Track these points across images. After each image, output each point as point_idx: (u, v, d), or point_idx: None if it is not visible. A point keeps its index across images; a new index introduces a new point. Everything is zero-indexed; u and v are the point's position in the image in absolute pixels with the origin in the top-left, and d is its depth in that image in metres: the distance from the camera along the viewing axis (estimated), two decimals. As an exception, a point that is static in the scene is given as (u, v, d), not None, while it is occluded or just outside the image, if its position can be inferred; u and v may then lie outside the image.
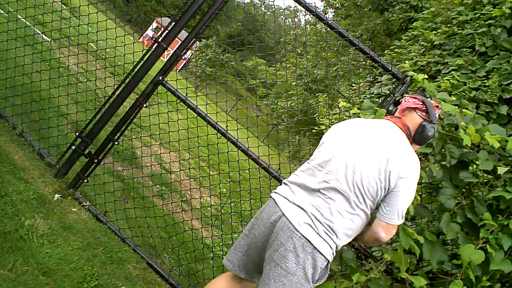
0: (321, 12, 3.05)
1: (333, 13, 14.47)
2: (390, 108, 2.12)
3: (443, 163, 2.18)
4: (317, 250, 1.72)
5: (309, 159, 2.02)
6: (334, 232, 1.75)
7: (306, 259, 1.72)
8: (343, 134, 1.92)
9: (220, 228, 4.63)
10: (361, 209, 1.78)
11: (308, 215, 1.76)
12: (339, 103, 3.02)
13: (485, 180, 2.25)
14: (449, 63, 4.46)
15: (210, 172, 6.79)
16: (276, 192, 1.95)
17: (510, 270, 1.92)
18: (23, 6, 4.57)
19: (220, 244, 4.25)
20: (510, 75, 3.89)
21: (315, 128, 7.59)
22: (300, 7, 3.02)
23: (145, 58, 3.15)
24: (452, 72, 4.25)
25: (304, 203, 1.79)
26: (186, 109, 3.14)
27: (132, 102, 3.20)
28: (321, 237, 1.73)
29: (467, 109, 2.28)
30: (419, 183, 2.57)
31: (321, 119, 7.67)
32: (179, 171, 5.28)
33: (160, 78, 3.13)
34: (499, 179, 2.17)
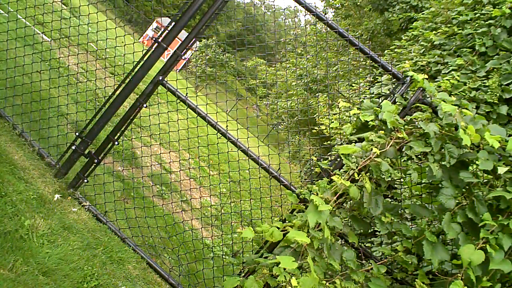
0: (321, 12, 3.05)
1: (333, 13, 14.45)
2: None
3: (443, 163, 2.18)
4: None
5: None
6: None
7: None
8: None
9: (220, 228, 4.63)
10: None
11: None
12: (339, 103, 3.02)
13: (485, 180, 2.25)
14: (449, 63, 4.45)
15: (210, 172, 6.79)
16: None
17: (510, 270, 1.92)
18: (23, 6, 4.57)
19: (220, 244, 4.25)
20: (510, 75, 3.88)
21: (315, 128, 7.58)
22: (300, 7, 3.02)
23: (145, 58, 3.15)
24: (452, 72, 4.24)
25: None
26: (186, 109, 3.14)
27: (132, 102, 3.20)
28: None
29: (467, 109, 2.28)
30: (419, 183, 2.59)
31: (321, 119, 7.66)
32: (179, 171, 5.28)
33: (160, 78, 3.13)
34: (499, 179, 2.17)
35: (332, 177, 2.18)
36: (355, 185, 2.15)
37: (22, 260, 2.19)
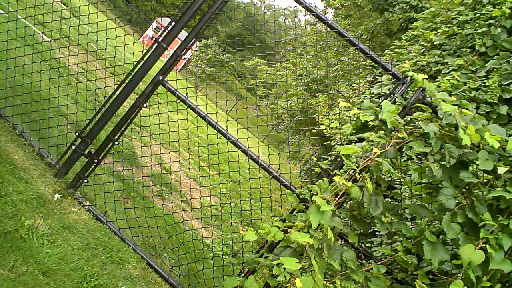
0: (321, 12, 3.05)
1: (333, 13, 14.44)
2: None
3: (443, 163, 2.18)
4: None
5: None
6: None
7: None
8: None
9: (220, 228, 4.63)
10: None
11: None
12: (339, 103, 3.02)
13: (485, 180, 2.25)
14: (449, 63, 4.45)
15: (210, 172, 6.79)
16: None
17: (510, 270, 1.92)
18: (23, 6, 4.57)
19: (220, 244, 4.25)
20: (510, 75, 3.88)
21: (315, 128, 7.58)
22: (300, 7, 3.02)
23: (145, 58, 3.15)
24: (452, 72, 4.24)
25: None
26: (186, 109, 3.14)
27: (132, 102, 3.20)
28: None
29: (467, 109, 2.28)
30: (419, 183, 2.59)
31: (321, 119, 7.65)
32: (179, 171, 5.28)
33: (160, 78, 3.13)
34: (499, 179, 2.17)
35: (333, 178, 2.18)
36: (356, 185, 2.15)
37: (22, 260, 2.19)
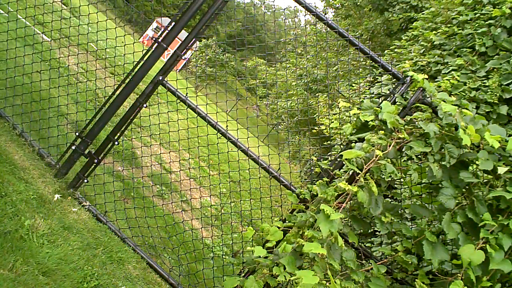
0: (321, 12, 3.05)
1: (333, 13, 14.45)
2: None
3: (443, 163, 2.18)
4: None
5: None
6: None
7: None
8: None
9: (220, 228, 4.63)
10: None
11: None
12: (339, 103, 3.02)
13: (485, 180, 2.24)
14: (449, 63, 4.45)
15: (210, 172, 6.80)
16: None
17: (510, 270, 1.92)
18: (23, 6, 4.57)
19: (220, 244, 4.25)
20: (510, 75, 3.88)
21: (315, 128, 7.58)
22: (300, 7, 3.02)
23: (145, 58, 3.15)
24: (452, 72, 4.24)
25: None
26: (186, 109, 3.14)
27: (132, 102, 3.20)
28: None
29: (467, 109, 2.28)
30: (419, 183, 2.59)
31: (321, 119, 7.66)
32: (179, 171, 5.28)
33: (160, 78, 3.13)
34: (499, 179, 2.17)
35: (334, 179, 2.17)
36: (358, 187, 2.14)
37: (22, 260, 2.19)
